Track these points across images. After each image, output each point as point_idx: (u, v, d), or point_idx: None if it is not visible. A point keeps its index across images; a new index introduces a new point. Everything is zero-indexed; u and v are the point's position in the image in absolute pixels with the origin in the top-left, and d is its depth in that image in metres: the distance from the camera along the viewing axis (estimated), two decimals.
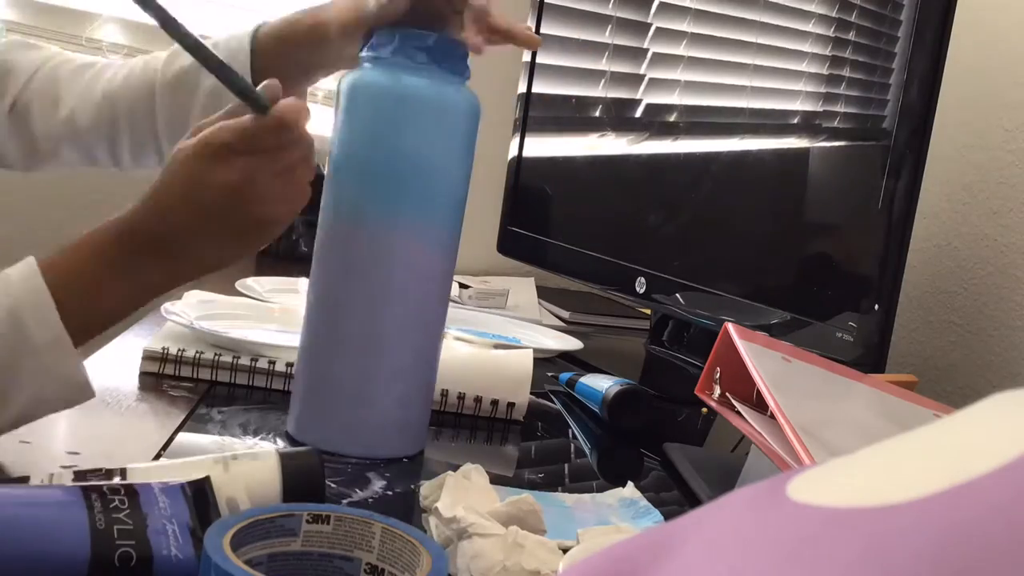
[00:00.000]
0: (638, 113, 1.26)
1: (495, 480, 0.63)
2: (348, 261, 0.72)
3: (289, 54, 0.86)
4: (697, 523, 0.26)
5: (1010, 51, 1.16)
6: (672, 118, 1.20)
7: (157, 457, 0.66)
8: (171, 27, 0.62)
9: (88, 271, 0.62)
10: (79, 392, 0.61)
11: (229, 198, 0.62)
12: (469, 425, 0.86)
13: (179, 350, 0.84)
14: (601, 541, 0.54)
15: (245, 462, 0.53)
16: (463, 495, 0.57)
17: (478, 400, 0.87)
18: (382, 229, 0.71)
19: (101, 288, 0.62)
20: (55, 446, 0.66)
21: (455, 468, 0.61)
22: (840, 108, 1.00)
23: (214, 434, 0.73)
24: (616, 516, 0.67)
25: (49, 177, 1.24)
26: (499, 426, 0.87)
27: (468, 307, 1.35)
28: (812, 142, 1.02)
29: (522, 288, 1.57)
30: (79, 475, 0.52)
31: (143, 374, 0.83)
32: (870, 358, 0.88)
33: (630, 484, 0.71)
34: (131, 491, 0.47)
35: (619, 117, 1.30)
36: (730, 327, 0.71)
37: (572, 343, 1.17)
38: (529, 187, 1.42)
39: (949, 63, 0.88)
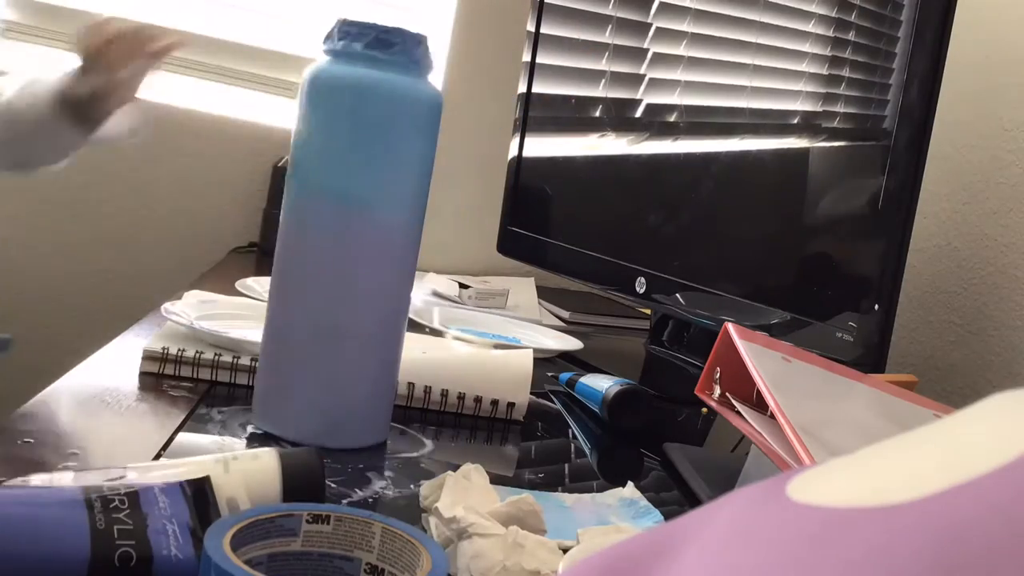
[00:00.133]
0: (638, 113, 1.26)
1: (495, 480, 0.63)
2: (308, 250, 0.73)
3: None
4: (697, 523, 0.26)
5: (1010, 51, 1.16)
6: (672, 118, 1.20)
7: (157, 457, 0.66)
8: None
9: None
10: None
11: None
12: (469, 425, 0.86)
13: (179, 350, 0.84)
14: (601, 541, 0.54)
15: (245, 462, 0.53)
16: (463, 495, 0.57)
17: (478, 400, 0.87)
18: (341, 220, 0.72)
19: None
20: (55, 446, 0.66)
21: (455, 468, 0.61)
22: (840, 108, 1.00)
23: (214, 434, 0.73)
24: (616, 516, 0.67)
25: (50, 178, 1.24)
26: (499, 426, 0.87)
27: (468, 307, 1.35)
28: (812, 142, 1.02)
29: (522, 288, 1.57)
30: (79, 475, 0.52)
31: (143, 374, 0.83)
32: (870, 358, 0.88)
33: (630, 484, 0.71)
34: (131, 491, 0.47)
35: (619, 117, 1.30)
36: (730, 327, 0.71)
37: (572, 343, 1.17)
38: (529, 187, 1.42)
39: (949, 63, 0.88)
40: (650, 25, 1.27)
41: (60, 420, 0.71)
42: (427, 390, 0.86)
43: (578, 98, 1.38)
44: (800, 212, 1.05)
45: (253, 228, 1.69)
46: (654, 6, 1.26)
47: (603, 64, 1.34)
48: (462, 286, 1.43)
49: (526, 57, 1.42)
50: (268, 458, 0.54)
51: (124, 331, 0.96)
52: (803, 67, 1.05)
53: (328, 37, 0.73)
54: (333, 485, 0.65)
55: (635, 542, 0.27)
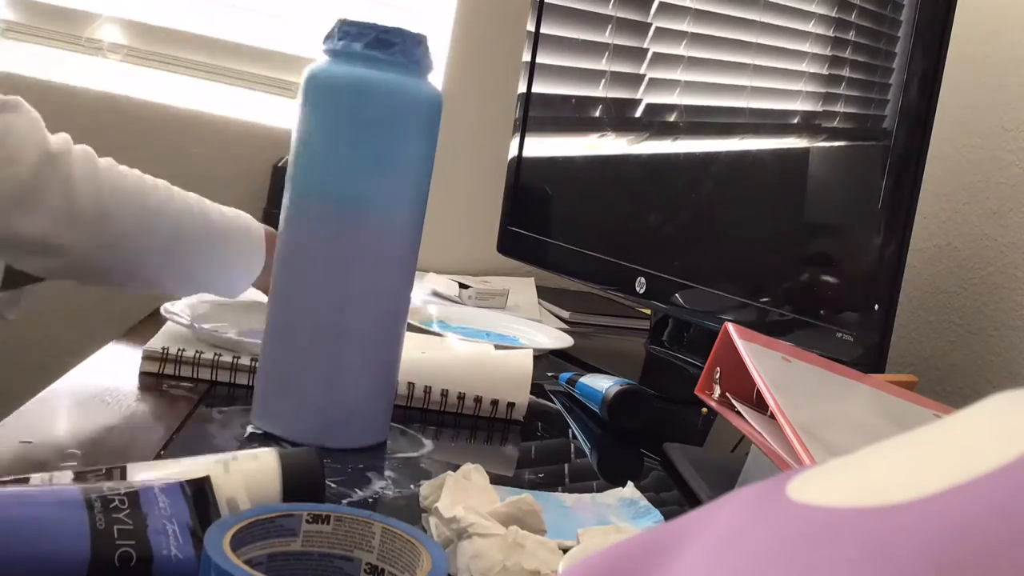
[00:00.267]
0: (638, 113, 1.26)
1: (495, 480, 0.63)
2: (308, 250, 0.73)
3: None
4: (697, 523, 0.26)
5: (1010, 51, 1.16)
6: (672, 118, 1.20)
7: (157, 457, 0.66)
8: None
9: None
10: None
11: None
12: (469, 425, 0.86)
13: (179, 350, 0.84)
14: (601, 541, 0.54)
15: (245, 462, 0.53)
16: (463, 495, 0.57)
17: (478, 400, 0.87)
18: (340, 221, 0.72)
19: None
20: (55, 446, 0.66)
21: (455, 468, 0.61)
22: (840, 108, 1.00)
23: (214, 434, 0.73)
24: (616, 516, 0.67)
25: None
26: (499, 426, 0.87)
27: (468, 307, 1.35)
28: (812, 142, 1.02)
29: (522, 288, 1.57)
30: (79, 475, 0.52)
31: (143, 374, 0.83)
32: (870, 358, 0.88)
33: (630, 484, 0.71)
34: (131, 491, 0.47)
35: (619, 117, 1.30)
36: (730, 327, 0.71)
37: (571, 341, 1.17)
38: (529, 187, 1.42)
39: (949, 63, 0.88)
40: (650, 25, 1.27)
41: (60, 420, 0.71)
42: (427, 390, 0.86)
43: (578, 98, 1.38)
44: (800, 212, 1.05)
45: None
46: (654, 6, 1.26)
47: (603, 64, 1.34)
48: (462, 286, 1.43)
49: (526, 57, 1.42)
50: (268, 458, 0.54)
51: (124, 331, 0.96)
52: (803, 67, 1.05)
53: (328, 37, 0.73)
54: (333, 485, 0.65)
55: (635, 542, 0.27)
